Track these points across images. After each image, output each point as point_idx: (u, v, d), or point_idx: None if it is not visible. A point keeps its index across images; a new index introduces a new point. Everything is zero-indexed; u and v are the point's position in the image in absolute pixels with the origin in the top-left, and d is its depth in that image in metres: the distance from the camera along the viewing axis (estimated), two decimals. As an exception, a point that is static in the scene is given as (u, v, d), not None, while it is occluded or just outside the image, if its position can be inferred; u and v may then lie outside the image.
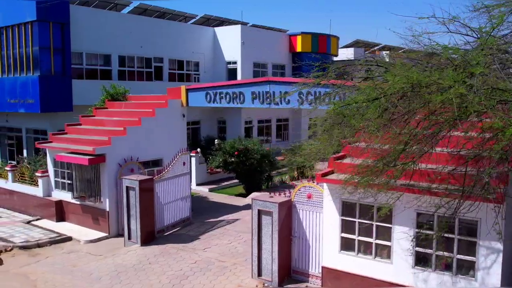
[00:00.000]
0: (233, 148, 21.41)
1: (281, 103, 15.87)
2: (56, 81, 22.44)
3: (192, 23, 32.11)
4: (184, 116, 18.54)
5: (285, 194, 12.71)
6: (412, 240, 10.15)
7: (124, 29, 25.99)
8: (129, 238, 15.32)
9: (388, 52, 42.37)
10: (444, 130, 7.08)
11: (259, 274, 12.37)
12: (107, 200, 16.08)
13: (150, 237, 15.33)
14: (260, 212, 12.23)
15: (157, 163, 17.75)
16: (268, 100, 16.02)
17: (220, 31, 31.48)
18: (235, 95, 16.75)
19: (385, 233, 10.62)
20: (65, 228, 17.01)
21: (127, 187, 15.10)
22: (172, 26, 29.02)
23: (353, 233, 11.04)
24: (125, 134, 16.46)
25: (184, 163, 16.93)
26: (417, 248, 10.18)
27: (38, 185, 18.22)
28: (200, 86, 18.11)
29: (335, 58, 37.33)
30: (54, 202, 17.67)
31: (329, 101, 13.85)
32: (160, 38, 27.88)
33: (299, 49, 34.18)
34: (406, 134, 7.55)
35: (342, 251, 11.23)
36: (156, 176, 15.63)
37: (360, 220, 10.92)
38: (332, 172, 11.26)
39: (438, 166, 9.12)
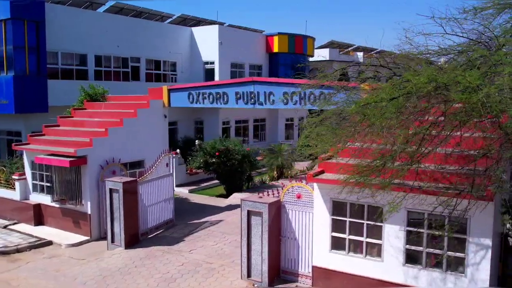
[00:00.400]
0: (214, 149, 21.28)
1: (265, 104, 15.84)
2: (31, 81, 21.86)
3: (168, 23, 31.76)
4: (166, 116, 18.33)
5: (273, 194, 12.68)
6: (403, 238, 10.29)
7: (100, 28, 25.53)
8: (112, 241, 15.02)
9: (362, 53, 43.06)
10: (456, 129, 7.22)
11: (249, 275, 12.31)
12: (89, 203, 15.73)
13: (134, 240, 15.07)
14: (249, 213, 12.18)
15: (139, 164, 17.48)
16: (252, 100, 15.98)
17: (197, 31, 31.27)
18: (218, 96, 16.64)
19: (376, 232, 10.72)
20: (44, 232, 16.55)
21: (110, 189, 14.79)
22: (149, 26, 28.66)
23: (344, 232, 11.10)
24: (107, 135, 16.14)
25: (167, 165, 16.73)
26: (407, 246, 10.32)
27: (14, 188, 17.67)
28: (182, 87, 17.93)
29: (311, 59, 37.58)
30: (32, 205, 17.16)
31: (325, 101, 13.99)
32: (137, 38, 27.49)
33: (276, 49, 34.26)
34: (419, 134, 7.66)
35: (332, 250, 11.29)
36: (140, 178, 15.37)
37: (351, 220, 10.99)
38: (322, 172, 11.30)
39: (436, 165, 9.25)
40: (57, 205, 16.60)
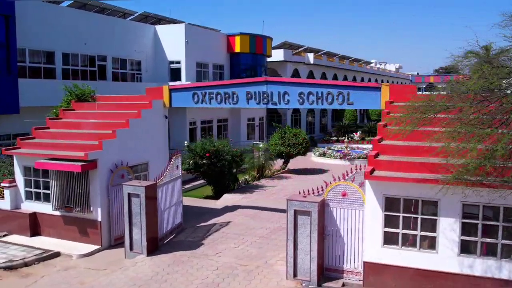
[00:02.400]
0: (204, 150, 20.85)
1: (279, 104, 15.80)
2: (0, 80, 20.01)
3: (130, 20, 30.50)
4: (166, 117, 17.63)
5: (313, 193, 12.71)
6: (458, 230, 10.80)
7: (67, 24, 23.97)
8: (131, 248, 14.23)
9: (312, 54, 44.11)
10: None
11: (295, 275, 12.25)
12: (99, 209, 14.76)
13: (154, 246, 14.41)
14: (296, 212, 12.12)
15: (143, 167, 16.67)
16: (265, 100, 15.85)
17: (161, 29, 30.34)
18: (227, 95, 16.31)
19: (430, 225, 11.13)
20: (45, 243, 15.26)
21: (129, 193, 14.00)
22: (115, 23, 27.40)
23: (397, 227, 11.41)
24: (115, 137, 15.23)
25: (177, 167, 16.16)
26: (462, 237, 10.84)
27: (3, 197, 16.12)
28: (186, 86, 17.35)
29: (268, 59, 37.88)
30: (27, 214, 15.75)
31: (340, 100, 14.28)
32: (104, 35, 26.16)
33: (237, 49, 34.14)
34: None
35: (385, 245, 11.55)
36: (158, 181, 14.71)
37: (404, 215, 11.32)
38: (373, 170, 11.52)
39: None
40: (58, 214, 15.40)
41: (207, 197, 21.98)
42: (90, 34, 25.18)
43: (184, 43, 29.46)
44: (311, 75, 45.84)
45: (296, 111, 42.41)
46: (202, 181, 22.93)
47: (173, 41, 29.71)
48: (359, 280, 12.09)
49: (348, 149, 33.62)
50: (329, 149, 34.05)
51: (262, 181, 25.03)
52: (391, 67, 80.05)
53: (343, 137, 39.24)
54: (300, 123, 43.28)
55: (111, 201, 14.97)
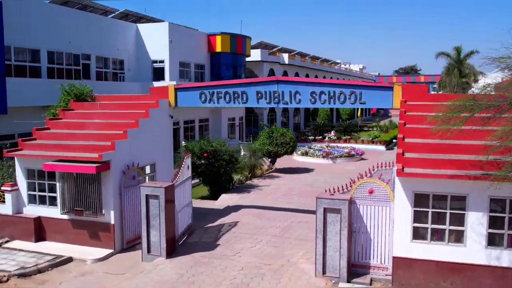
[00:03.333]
0: (202, 150, 20.67)
1: (291, 103, 15.89)
2: (-12, 79, 19.09)
3: (111, 18, 29.76)
4: (172, 117, 17.35)
5: (339, 190, 12.88)
6: (486, 224, 11.25)
7: (51, 21, 23.09)
8: (149, 251, 13.93)
9: (287, 54, 44.49)
10: None
11: (324, 272, 12.38)
12: (112, 212, 14.35)
13: (172, 248, 14.17)
14: (325, 210, 12.25)
15: (151, 168, 16.35)
16: (276, 99, 15.90)
17: (144, 28, 29.77)
18: (236, 95, 16.23)
19: (459, 219, 11.53)
20: (52, 248, 14.66)
21: (147, 195, 13.71)
22: (99, 21, 26.70)
23: (426, 222, 11.74)
24: (126, 138, 14.86)
25: (188, 167, 15.97)
26: (490, 230, 11.29)
27: (4, 201, 15.39)
28: (193, 86, 17.13)
29: (247, 59, 37.91)
30: (32, 219, 15.10)
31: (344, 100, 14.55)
32: (87, 33, 25.43)
33: (218, 49, 33.97)
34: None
35: (414, 240, 11.85)
36: (174, 182, 14.48)
37: (433, 210, 11.67)
38: (403, 167, 11.79)
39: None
40: (66, 217, 14.86)
41: (203, 198, 21.77)
42: (74, 32, 24.39)
43: (168, 42, 29.02)
44: (285, 75, 46.22)
45: (272, 111, 42.63)
46: (196, 180, 22.65)
47: (156, 40, 29.22)
48: (386, 275, 12.36)
49: (329, 148, 34.14)
50: (310, 148, 34.45)
51: (255, 181, 25.05)
52: (355, 67, 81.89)
53: (320, 137, 39.79)
54: (276, 122, 43.54)
55: (123, 203, 14.60)
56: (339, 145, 37.37)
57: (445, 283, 11.60)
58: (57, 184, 14.80)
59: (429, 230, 11.74)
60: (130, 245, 14.96)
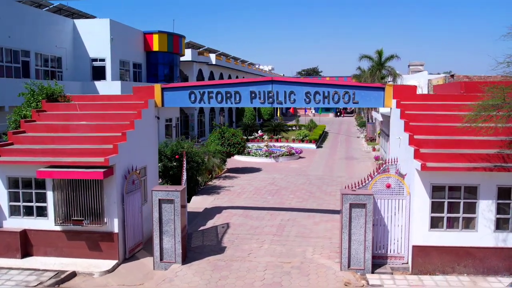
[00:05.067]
0: (173, 152, 20.13)
1: (285, 103, 16.18)
2: None
3: (46, 10, 27.49)
4: (158, 118, 16.72)
5: (355, 186, 13.50)
6: (494, 210, 12.60)
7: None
8: (161, 259, 13.38)
9: (214, 54, 44.41)
10: None
11: (349, 266, 12.90)
12: (115, 220, 13.51)
13: (185, 254, 13.74)
14: (351, 206, 12.78)
15: (143, 171, 15.63)
16: (270, 99, 16.08)
17: (82, 24, 27.93)
18: (229, 95, 16.10)
19: (471, 208, 12.75)
20: (46, 263, 13.37)
21: (159, 200, 13.16)
22: (38, 15, 24.48)
23: (442, 212, 12.80)
24: (125, 140, 14.08)
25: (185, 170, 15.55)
26: (498, 216, 12.66)
27: (-20, 216, 13.72)
28: (181, 85, 16.61)
29: (181, 58, 37.23)
30: (18, 233, 13.64)
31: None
32: (26, 28, 23.33)
33: (155, 48, 32.99)
34: None
35: (431, 229, 12.85)
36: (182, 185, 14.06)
37: (449, 200, 12.76)
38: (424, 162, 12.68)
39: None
40: (59, 229, 13.67)
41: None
42: (14, 26, 22.19)
43: (109, 39, 27.56)
44: (211, 75, 46.12)
45: (201, 111, 42.31)
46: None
47: (96, 37, 27.58)
48: (402, 263, 13.24)
49: (268, 148, 34.86)
50: (248, 148, 34.86)
51: (216, 182, 24.87)
52: (265, 68, 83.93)
53: (251, 136, 40.39)
54: (204, 123, 43.29)
55: (125, 210, 13.82)
56: (275, 144, 38.28)
57: (459, 266, 12.73)
58: (48, 193, 13.53)
59: (445, 219, 12.80)
60: (131, 254, 14.18)
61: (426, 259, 12.85)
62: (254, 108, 49.64)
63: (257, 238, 15.69)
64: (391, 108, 16.03)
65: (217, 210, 19.12)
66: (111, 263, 13.43)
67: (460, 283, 12.05)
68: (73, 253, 13.67)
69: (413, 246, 12.91)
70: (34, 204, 13.78)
